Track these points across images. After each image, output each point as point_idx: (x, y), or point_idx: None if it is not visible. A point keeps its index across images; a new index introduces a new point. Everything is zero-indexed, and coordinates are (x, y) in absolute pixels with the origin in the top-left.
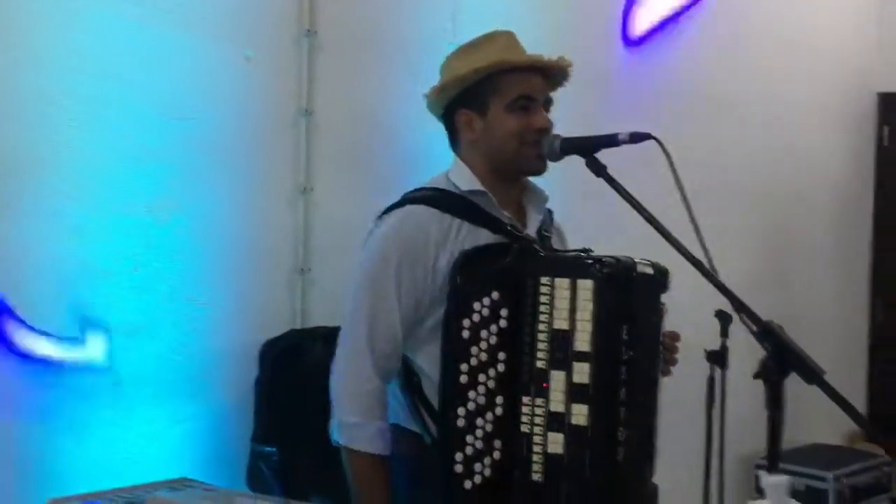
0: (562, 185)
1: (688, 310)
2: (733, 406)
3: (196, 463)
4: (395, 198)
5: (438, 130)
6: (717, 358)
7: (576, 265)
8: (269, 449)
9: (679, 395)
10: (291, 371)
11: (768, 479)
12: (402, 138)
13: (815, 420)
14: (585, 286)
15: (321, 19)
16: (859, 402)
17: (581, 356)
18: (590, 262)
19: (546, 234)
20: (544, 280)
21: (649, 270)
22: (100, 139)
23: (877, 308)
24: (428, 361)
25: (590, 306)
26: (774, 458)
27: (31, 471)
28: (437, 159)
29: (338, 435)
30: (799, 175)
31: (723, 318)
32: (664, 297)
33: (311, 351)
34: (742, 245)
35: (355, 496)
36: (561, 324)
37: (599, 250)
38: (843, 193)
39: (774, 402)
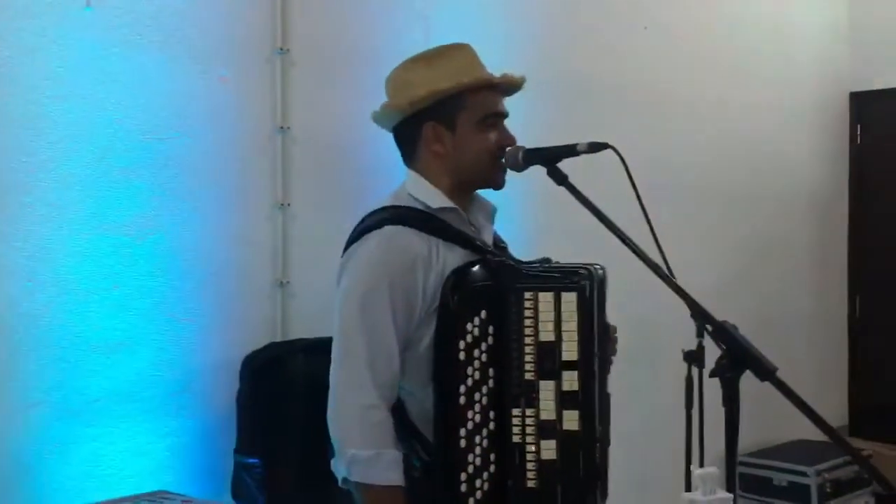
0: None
1: (666, 311)
2: (712, 405)
3: (181, 476)
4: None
5: None
6: (695, 358)
7: (556, 278)
8: (252, 460)
9: (658, 395)
10: (272, 383)
11: (698, 471)
12: (377, 152)
13: (799, 417)
14: (569, 299)
15: (294, 37)
16: (841, 398)
17: (569, 365)
18: (570, 274)
19: (501, 245)
20: (528, 295)
21: (602, 272)
22: (77, 160)
23: (855, 304)
24: (416, 384)
25: (575, 317)
26: (732, 453)
27: (17, 487)
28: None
29: (348, 471)
30: (773, 175)
31: (699, 318)
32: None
33: (292, 363)
34: (718, 247)
35: None
36: (547, 336)
37: (561, 257)
38: (819, 192)
39: (730, 399)
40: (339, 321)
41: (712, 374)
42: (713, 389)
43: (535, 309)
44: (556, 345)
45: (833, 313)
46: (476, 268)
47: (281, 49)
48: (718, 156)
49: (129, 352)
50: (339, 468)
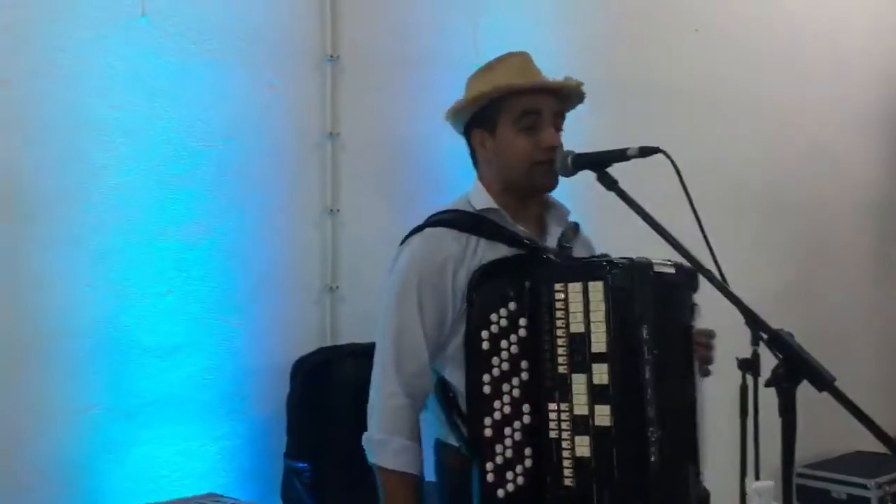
0: (581, 199)
1: (718, 318)
2: (767, 415)
3: (232, 479)
4: (420, 215)
5: (459, 148)
6: (750, 366)
7: (587, 268)
8: (301, 465)
9: (710, 405)
10: (322, 387)
11: (753, 485)
12: (425, 157)
13: (858, 427)
14: (597, 287)
15: (343, 44)
16: None
17: (599, 357)
18: (602, 264)
19: (566, 245)
20: (558, 286)
21: (669, 270)
22: (132, 167)
23: None
24: (458, 378)
25: (602, 307)
26: (789, 466)
27: (75, 489)
28: (461, 178)
29: (367, 451)
30: (831, 179)
31: (754, 326)
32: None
33: (341, 367)
34: (772, 254)
35: None
36: (577, 327)
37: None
38: (879, 196)
39: (787, 410)
40: (380, 318)
41: (768, 384)
42: (767, 399)
43: (566, 300)
44: (585, 336)
45: (893, 322)
46: (504, 262)
47: (330, 56)
48: (773, 159)
49: (183, 355)
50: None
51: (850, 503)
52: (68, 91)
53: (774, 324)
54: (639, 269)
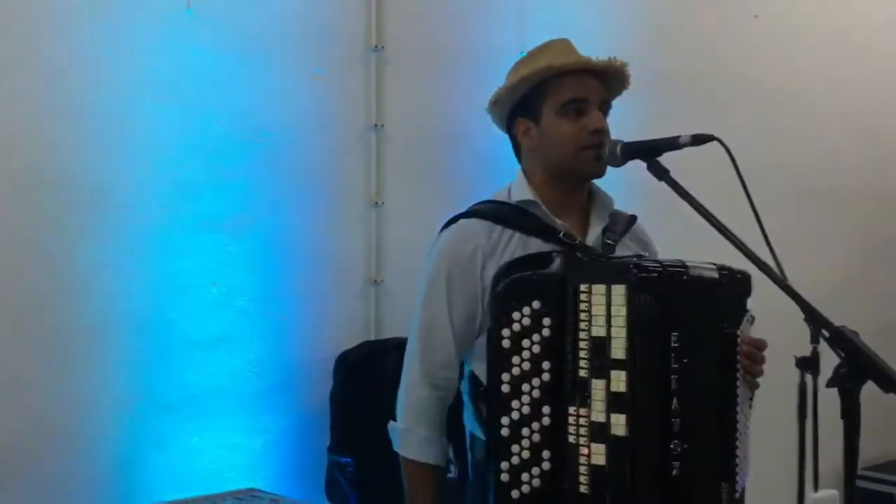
0: (629, 189)
1: (775, 315)
2: (828, 415)
3: (276, 473)
4: (465, 208)
5: (505, 140)
6: (808, 364)
7: (613, 270)
8: (345, 460)
9: (769, 404)
10: (366, 382)
11: (814, 495)
12: (470, 149)
13: None
14: (619, 291)
15: (388, 35)
16: None
17: (618, 364)
18: (630, 266)
19: (609, 241)
20: (583, 287)
21: (711, 275)
22: (176, 159)
23: None
24: (484, 371)
25: (623, 311)
26: (852, 471)
27: (119, 481)
28: (507, 170)
29: (392, 440)
30: (890, 169)
31: (815, 323)
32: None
33: (385, 362)
34: (831, 248)
35: (406, 501)
36: (599, 331)
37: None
38: None
39: (850, 412)
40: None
41: (829, 384)
42: (827, 399)
43: (590, 302)
44: (606, 341)
45: None
46: (532, 258)
47: (375, 47)
48: (832, 151)
49: (227, 348)
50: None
51: None
52: (115, 82)
53: (835, 320)
54: (669, 272)
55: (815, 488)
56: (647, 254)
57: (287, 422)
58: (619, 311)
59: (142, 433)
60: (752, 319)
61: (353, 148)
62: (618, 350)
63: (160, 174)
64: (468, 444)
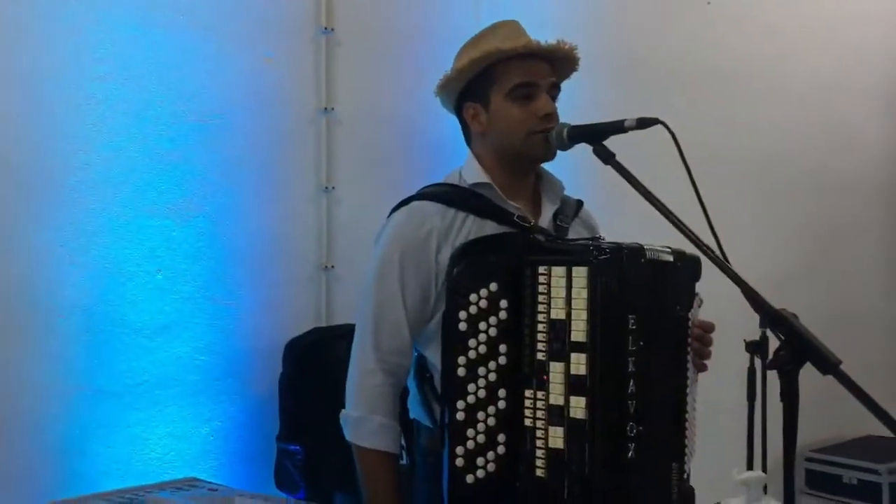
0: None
1: (727, 299)
2: (777, 398)
3: (224, 461)
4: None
5: (457, 125)
6: (757, 348)
7: (574, 252)
8: (294, 447)
9: (719, 388)
10: (314, 369)
11: (741, 475)
12: (422, 133)
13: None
14: (580, 273)
15: (339, 17)
16: None
17: (578, 346)
18: (589, 248)
19: (561, 224)
20: (542, 269)
21: (666, 258)
22: (121, 142)
23: None
24: (436, 356)
25: (584, 294)
26: (790, 451)
27: (62, 469)
28: (459, 154)
29: (344, 429)
30: (850, 162)
31: (755, 306)
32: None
33: (335, 348)
34: (782, 234)
35: (362, 490)
36: (558, 313)
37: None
38: (891, 175)
39: (789, 394)
40: (362, 292)
41: (769, 366)
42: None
43: (549, 284)
44: (566, 323)
45: None
46: (489, 240)
47: (326, 29)
48: (784, 137)
49: (172, 336)
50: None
51: (861, 488)
52: (55, 66)
53: (786, 304)
54: (628, 255)
55: (751, 468)
56: (599, 236)
57: (235, 409)
58: (580, 294)
59: (85, 421)
60: (701, 303)
61: (304, 131)
62: (577, 332)
63: (104, 157)
64: (414, 431)
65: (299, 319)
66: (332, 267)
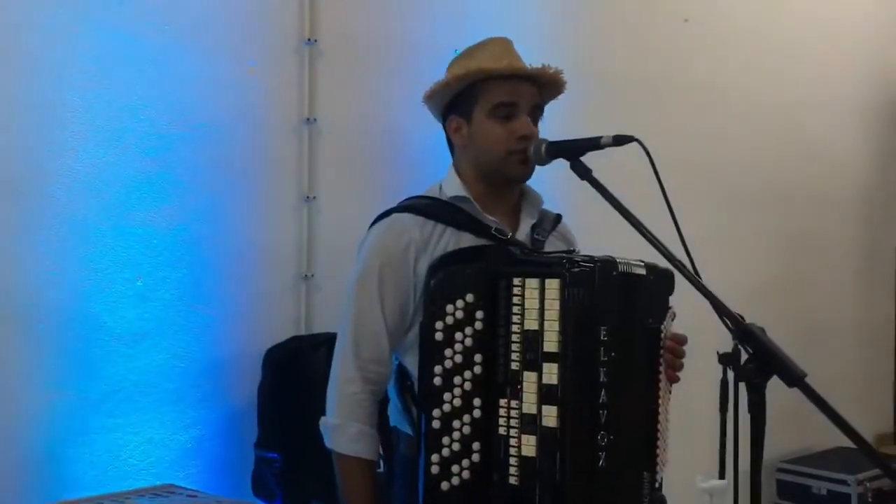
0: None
1: (703, 311)
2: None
3: (202, 469)
4: (397, 204)
5: (440, 136)
6: (730, 360)
7: (547, 265)
8: (272, 455)
9: (692, 399)
10: (294, 377)
11: (704, 484)
12: (404, 144)
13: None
14: (552, 285)
15: (322, 28)
16: (888, 404)
17: (550, 356)
18: (563, 261)
19: (538, 237)
20: (516, 281)
21: (639, 271)
22: (102, 149)
23: None
24: (414, 365)
25: (556, 305)
26: (757, 462)
27: (39, 475)
28: (441, 166)
29: (324, 437)
30: (821, 174)
31: (723, 319)
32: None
33: (314, 357)
34: (759, 247)
35: (340, 497)
36: (531, 324)
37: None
38: (867, 193)
39: (756, 405)
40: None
41: (738, 379)
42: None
43: (523, 295)
44: (539, 334)
45: (880, 317)
46: (466, 252)
47: (309, 40)
48: (760, 153)
49: (152, 342)
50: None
51: (831, 499)
52: (38, 72)
53: (759, 317)
54: (601, 267)
55: (723, 477)
56: (575, 249)
57: (213, 417)
58: (552, 305)
59: (63, 427)
60: (674, 315)
61: (285, 141)
62: (550, 343)
63: (86, 164)
64: (394, 439)
65: (279, 328)
66: (312, 276)
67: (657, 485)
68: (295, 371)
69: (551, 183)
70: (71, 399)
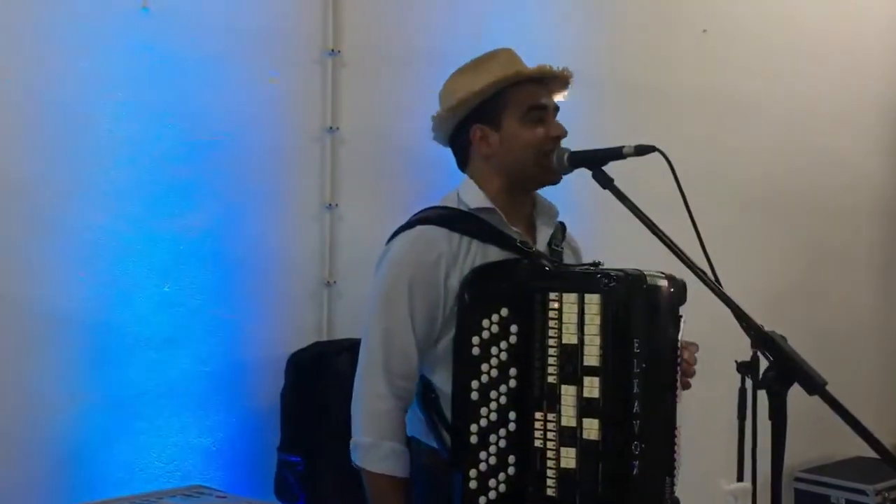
0: (575, 197)
1: (722, 319)
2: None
3: (226, 471)
4: (415, 213)
5: None
6: (749, 368)
7: (583, 279)
8: (294, 458)
9: (711, 407)
10: (316, 382)
11: (729, 486)
12: (425, 153)
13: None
14: (592, 300)
15: (344, 38)
16: None
17: (590, 370)
18: (598, 276)
19: (556, 248)
20: (552, 295)
21: (662, 283)
22: (130, 159)
23: None
24: (443, 380)
25: (597, 320)
26: (778, 470)
27: (66, 477)
28: (459, 174)
29: (354, 455)
30: (833, 182)
31: (744, 327)
32: (683, 308)
33: (336, 362)
34: (774, 256)
35: None
36: (570, 338)
37: (614, 263)
38: (882, 200)
39: (777, 413)
40: (367, 316)
41: (758, 387)
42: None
43: (560, 310)
44: (578, 348)
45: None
46: (499, 266)
47: (331, 50)
48: (777, 163)
49: (177, 347)
50: (351, 450)
51: None
52: (65, 82)
53: (777, 325)
54: (632, 281)
55: (754, 482)
56: (582, 259)
57: (237, 421)
58: (593, 320)
59: (89, 431)
60: (683, 323)
61: (308, 150)
62: (590, 357)
63: (113, 173)
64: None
65: (301, 333)
66: (334, 283)
67: (674, 487)
68: (317, 376)
69: (552, 189)
70: (98, 403)
